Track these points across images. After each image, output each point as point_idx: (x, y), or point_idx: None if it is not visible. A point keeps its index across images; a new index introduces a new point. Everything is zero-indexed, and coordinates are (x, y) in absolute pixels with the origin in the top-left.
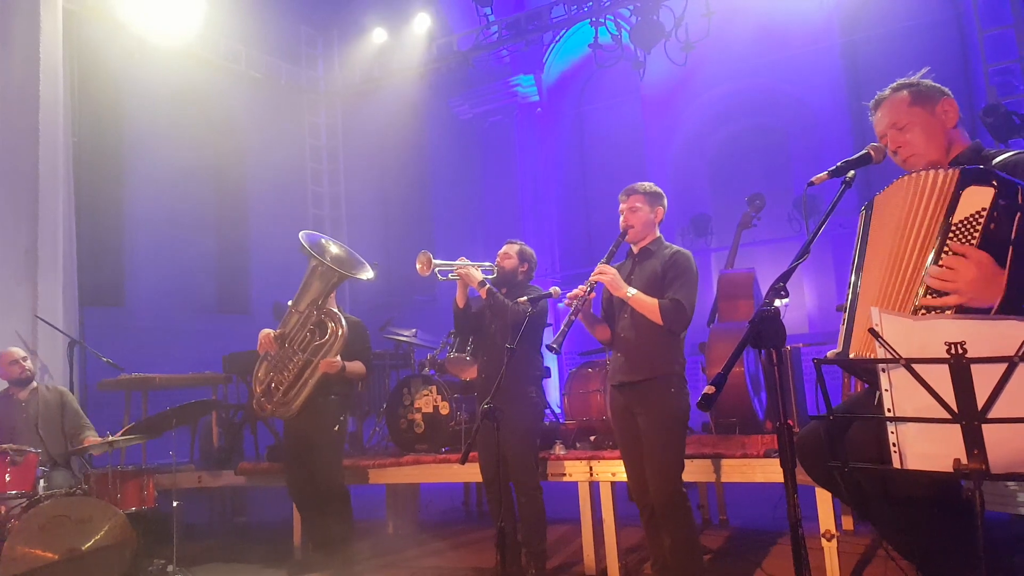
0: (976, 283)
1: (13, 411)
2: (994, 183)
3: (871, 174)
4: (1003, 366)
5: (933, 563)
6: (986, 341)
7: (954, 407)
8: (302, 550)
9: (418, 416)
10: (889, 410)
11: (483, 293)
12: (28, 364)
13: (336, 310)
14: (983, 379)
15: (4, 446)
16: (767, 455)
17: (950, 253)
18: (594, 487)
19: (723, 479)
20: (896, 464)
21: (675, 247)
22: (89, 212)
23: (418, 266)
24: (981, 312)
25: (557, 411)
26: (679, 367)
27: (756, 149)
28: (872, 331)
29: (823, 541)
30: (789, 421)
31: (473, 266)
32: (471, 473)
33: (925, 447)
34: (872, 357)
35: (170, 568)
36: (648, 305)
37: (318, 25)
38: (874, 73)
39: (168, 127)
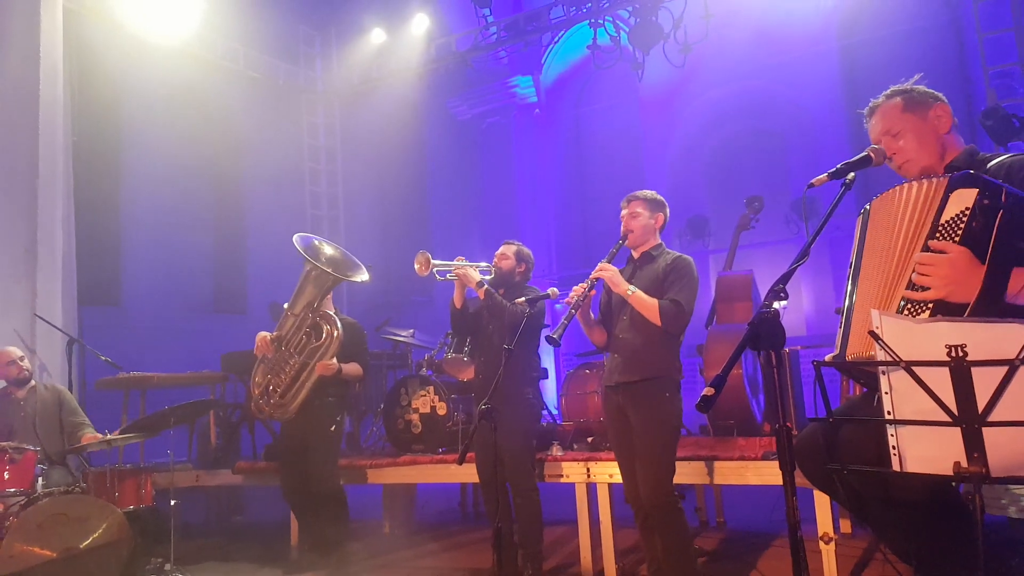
0: (953, 277)
1: (11, 410)
2: (978, 185)
3: (870, 177)
4: (1004, 369)
5: (931, 566)
6: (987, 344)
7: (954, 410)
8: (299, 549)
9: (415, 416)
10: (889, 413)
11: (481, 294)
12: (25, 364)
13: (332, 312)
14: (984, 382)
15: (3, 444)
16: (765, 457)
17: (931, 251)
18: (591, 488)
19: (720, 481)
20: (896, 467)
21: (677, 253)
22: (87, 211)
23: (416, 266)
24: (961, 305)
25: (554, 412)
26: (675, 372)
27: (754, 151)
28: (872, 333)
29: (821, 544)
30: (788, 423)
31: (471, 266)
32: (468, 474)
33: (925, 450)
34: (870, 359)
35: (167, 567)
36: (647, 304)
37: (317, 25)
38: (872, 76)
39: (166, 126)
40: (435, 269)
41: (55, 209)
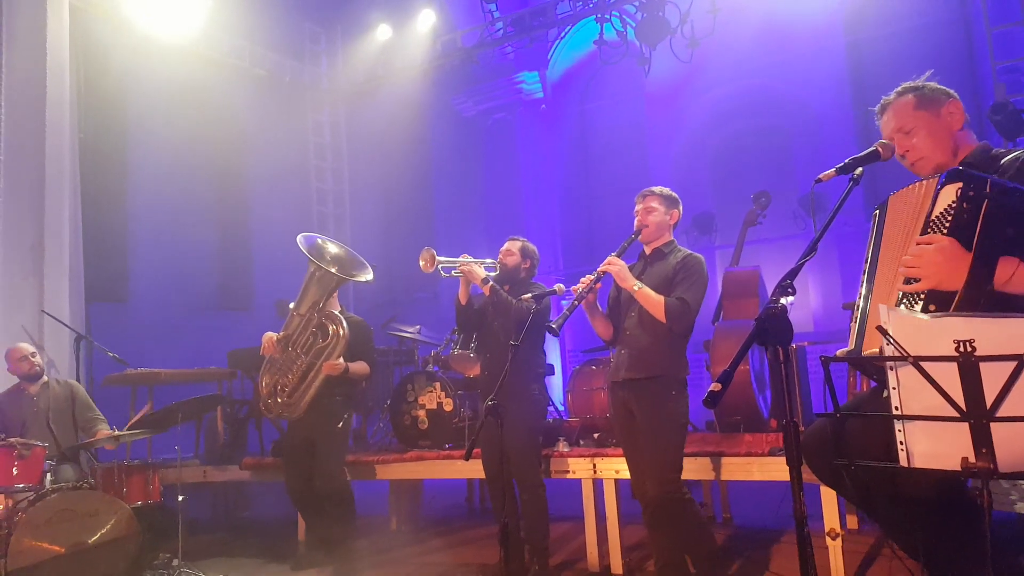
0: (940, 265)
1: (24, 406)
2: (963, 179)
3: (877, 173)
4: (1012, 364)
5: (939, 562)
6: (995, 339)
7: (962, 405)
8: (306, 545)
9: (422, 412)
10: (897, 408)
11: (486, 290)
12: (37, 360)
13: (338, 311)
14: (992, 377)
15: (11, 439)
16: (772, 453)
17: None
18: (598, 484)
19: (727, 477)
20: (903, 463)
21: (688, 251)
22: (94, 208)
23: (421, 263)
24: (951, 293)
25: (561, 408)
26: (682, 371)
27: (760, 148)
28: (880, 328)
29: (828, 540)
30: (794, 419)
31: (476, 263)
32: (474, 469)
33: (933, 445)
34: (881, 355)
35: (175, 562)
36: (653, 301)
37: (322, 22)
38: (879, 72)
39: (172, 124)
40: (440, 266)
41: (62, 206)
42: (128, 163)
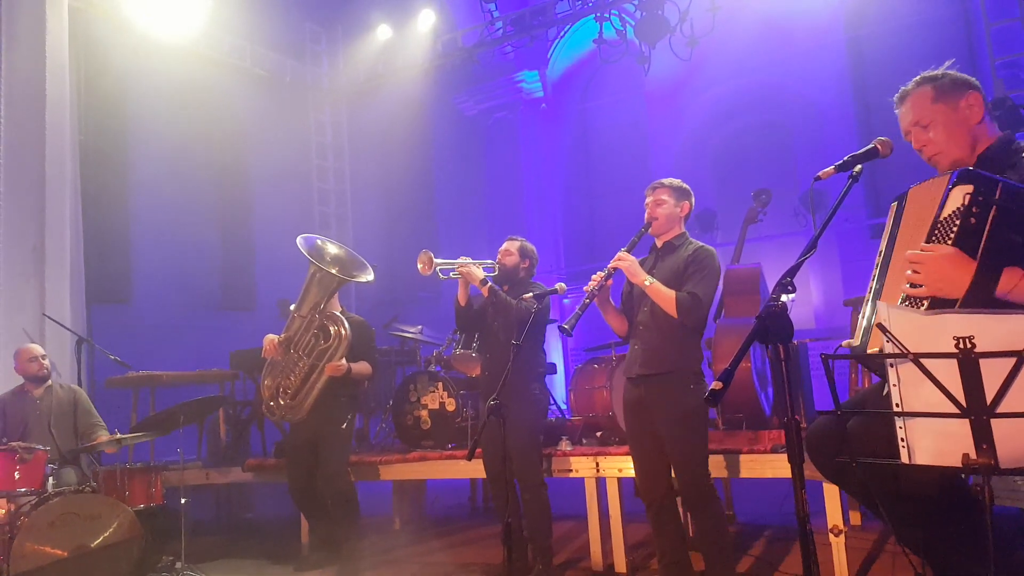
0: (941, 275)
1: (27, 408)
2: (973, 181)
3: (877, 169)
4: (1012, 360)
5: (942, 558)
6: (995, 335)
7: (963, 402)
8: (309, 546)
9: (424, 413)
10: (897, 405)
11: (485, 291)
12: (46, 362)
13: (339, 311)
14: (992, 374)
15: (13, 444)
16: (774, 450)
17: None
18: (600, 483)
19: (730, 474)
20: (904, 459)
21: (700, 243)
22: (94, 209)
23: (419, 266)
24: (952, 301)
25: (563, 407)
26: (697, 364)
27: (760, 145)
28: (880, 326)
29: (831, 536)
30: (796, 417)
31: (474, 264)
32: (477, 469)
33: (934, 442)
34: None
35: (178, 564)
36: (664, 296)
37: (323, 22)
38: (880, 69)
39: (173, 124)
40: (438, 268)
41: (63, 208)
42: (129, 163)
